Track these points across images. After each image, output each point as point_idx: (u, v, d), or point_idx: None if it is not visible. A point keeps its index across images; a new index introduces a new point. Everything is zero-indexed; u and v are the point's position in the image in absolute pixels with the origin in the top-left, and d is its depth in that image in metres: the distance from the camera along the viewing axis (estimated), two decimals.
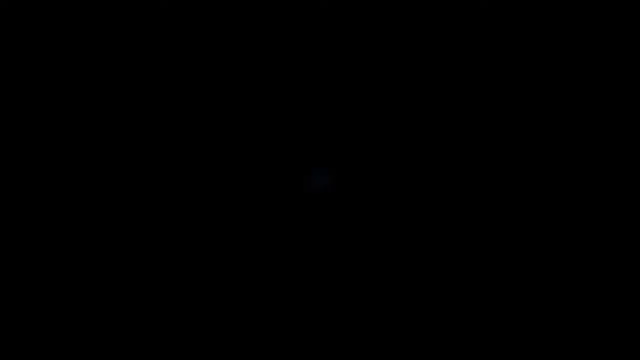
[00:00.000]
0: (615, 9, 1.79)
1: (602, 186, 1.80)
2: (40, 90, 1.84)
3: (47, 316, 1.77)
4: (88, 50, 1.84)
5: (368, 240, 1.84)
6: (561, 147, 1.83)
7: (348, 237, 1.85)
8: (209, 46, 1.85)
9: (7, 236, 1.79)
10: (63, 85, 1.84)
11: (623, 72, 1.80)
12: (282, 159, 1.86)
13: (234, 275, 1.83)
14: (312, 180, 1.84)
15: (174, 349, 1.77)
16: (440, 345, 1.77)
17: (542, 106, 1.83)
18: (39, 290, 1.79)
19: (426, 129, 1.85)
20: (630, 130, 1.79)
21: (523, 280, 1.79)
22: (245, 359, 1.78)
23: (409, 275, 1.82)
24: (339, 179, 1.86)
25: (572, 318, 1.76)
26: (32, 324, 1.76)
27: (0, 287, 1.77)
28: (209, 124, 1.86)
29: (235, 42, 1.86)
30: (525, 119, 1.83)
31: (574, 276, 1.79)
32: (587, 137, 1.81)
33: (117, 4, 1.83)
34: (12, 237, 1.80)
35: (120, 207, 1.83)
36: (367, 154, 1.86)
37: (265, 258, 1.84)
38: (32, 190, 1.81)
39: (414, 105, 1.86)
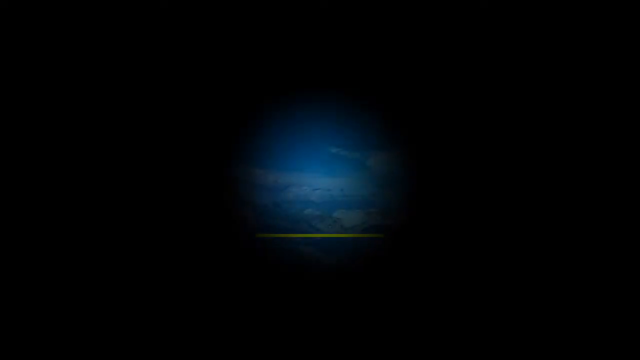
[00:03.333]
0: (614, 10, 1.80)
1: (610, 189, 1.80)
2: (37, 89, 1.84)
3: (45, 315, 1.77)
4: (87, 49, 1.84)
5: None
6: (561, 147, 1.83)
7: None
8: (210, 46, 1.85)
9: (7, 236, 1.79)
10: (60, 83, 1.84)
11: (623, 73, 1.81)
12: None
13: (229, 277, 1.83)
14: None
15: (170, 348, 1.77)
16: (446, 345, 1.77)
17: (543, 106, 1.84)
18: (35, 289, 1.79)
19: (426, 129, 1.85)
20: (629, 131, 1.80)
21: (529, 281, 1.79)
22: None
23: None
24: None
25: (572, 318, 1.77)
26: (31, 323, 1.76)
27: (0, 286, 1.77)
28: (210, 124, 1.87)
29: (238, 44, 1.86)
30: (526, 118, 1.83)
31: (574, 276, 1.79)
32: (588, 137, 1.82)
33: (117, 3, 1.83)
34: (12, 237, 1.79)
35: (113, 208, 1.83)
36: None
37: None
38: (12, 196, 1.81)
39: (414, 104, 1.86)
